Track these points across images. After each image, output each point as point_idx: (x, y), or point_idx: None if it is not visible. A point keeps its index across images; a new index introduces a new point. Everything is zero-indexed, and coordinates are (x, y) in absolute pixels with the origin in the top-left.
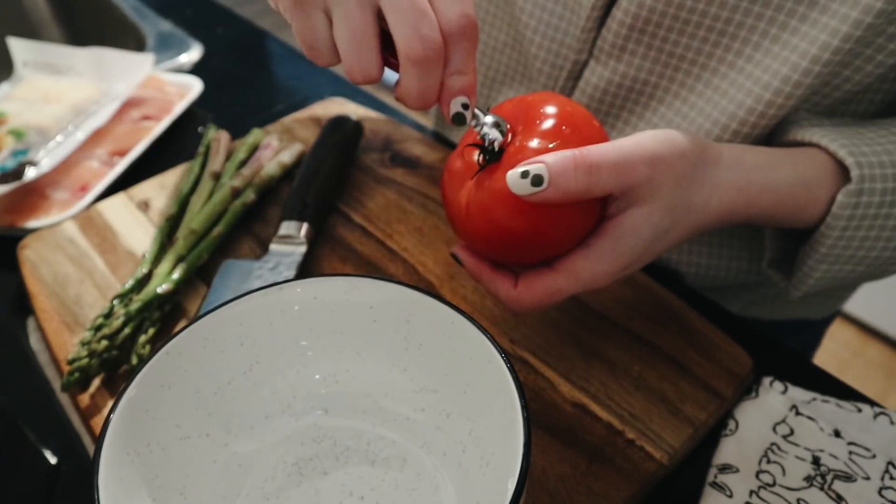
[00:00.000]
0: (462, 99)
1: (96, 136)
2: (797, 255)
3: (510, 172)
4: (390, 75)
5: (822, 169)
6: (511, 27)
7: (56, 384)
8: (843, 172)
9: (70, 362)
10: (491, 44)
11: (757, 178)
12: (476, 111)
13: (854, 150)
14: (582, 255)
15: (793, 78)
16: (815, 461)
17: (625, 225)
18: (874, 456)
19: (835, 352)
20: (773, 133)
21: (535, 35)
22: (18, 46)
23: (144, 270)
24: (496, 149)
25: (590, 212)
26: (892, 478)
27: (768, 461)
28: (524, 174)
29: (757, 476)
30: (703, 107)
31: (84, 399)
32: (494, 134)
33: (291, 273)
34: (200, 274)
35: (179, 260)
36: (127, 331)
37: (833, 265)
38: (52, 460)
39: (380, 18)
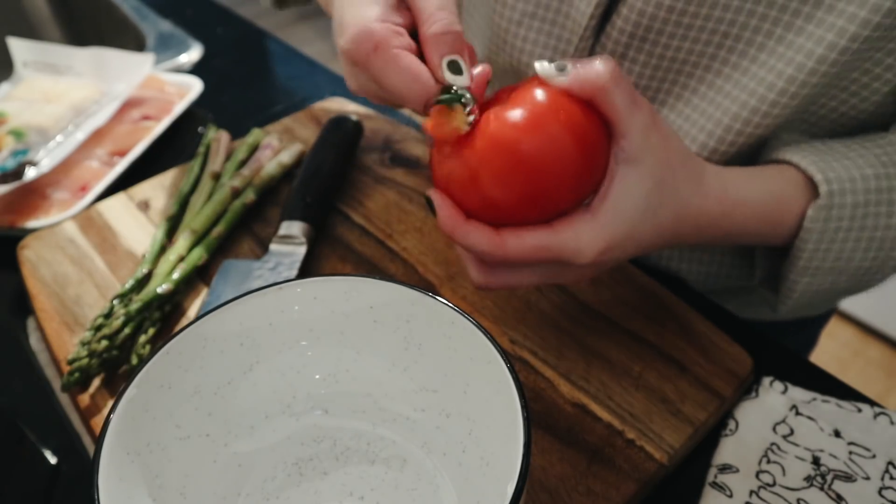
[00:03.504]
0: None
1: (96, 136)
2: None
3: (540, 62)
4: None
5: (794, 185)
6: (498, 28)
7: (56, 384)
8: (815, 187)
9: (70, 362)
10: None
11: (732, 191)
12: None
13: (824, 167)
14: (582, 217)
15: (798, 78)
16: (815, 461)
17: (622, 185)
18: (874, 456)
19: (835, 352)
20: (758, 149)
21: (523, 54)
22: (18, 46)
23: (144, 270)
24: (458, 96)
25: (592, 162)
26: (892, 478)
27: (768, 461)
28: (551, 60)
29: (757, 476)
30: (706, 108)
31: (84, 399)
32: (460, 81)
33: (291, 273)
34: (200, 274)
35: (179, 260)
36: (127, 331)
37: (814, 277)
38: (52, 460)
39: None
